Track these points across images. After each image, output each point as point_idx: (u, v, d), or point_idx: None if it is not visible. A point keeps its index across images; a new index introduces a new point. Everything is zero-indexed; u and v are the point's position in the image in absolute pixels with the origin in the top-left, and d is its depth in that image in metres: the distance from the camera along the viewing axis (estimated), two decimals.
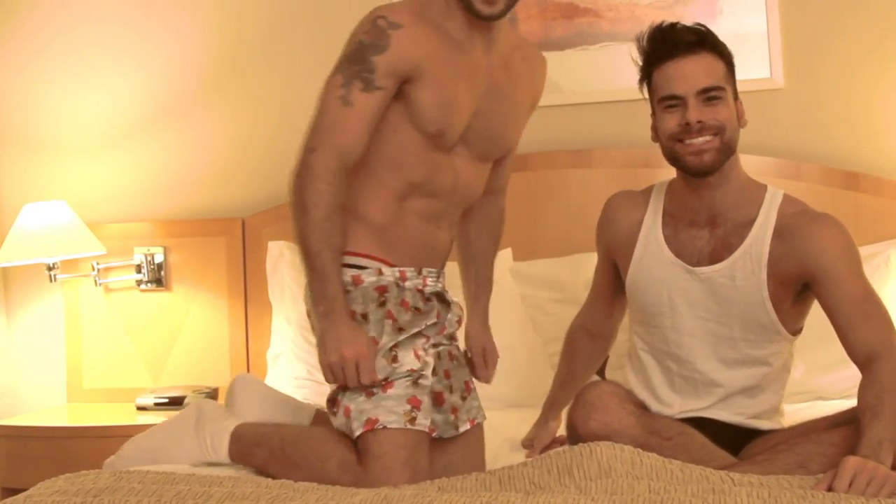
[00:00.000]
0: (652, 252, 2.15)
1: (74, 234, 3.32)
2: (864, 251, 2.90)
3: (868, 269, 2.84)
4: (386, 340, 2.02)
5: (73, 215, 3.35)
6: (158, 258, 3.46)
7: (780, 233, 2.05)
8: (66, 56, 3.56)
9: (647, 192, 2.22)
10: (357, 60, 1.97)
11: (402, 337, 2.04)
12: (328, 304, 1.97)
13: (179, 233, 3.45)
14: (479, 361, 2.30)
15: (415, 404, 2.00)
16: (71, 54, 3.56)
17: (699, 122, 2.03)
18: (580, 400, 2.04)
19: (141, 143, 3.54)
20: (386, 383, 2.00)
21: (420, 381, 2.03)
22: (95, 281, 3.45)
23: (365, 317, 2.04)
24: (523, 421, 2.58)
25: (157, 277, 3.46)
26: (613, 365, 2.90)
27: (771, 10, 3.18)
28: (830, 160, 3.15)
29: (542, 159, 3.28)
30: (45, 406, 3.53)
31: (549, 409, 2.44)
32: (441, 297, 2.15)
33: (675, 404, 2.15)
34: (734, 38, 3.15)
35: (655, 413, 2.12)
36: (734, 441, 2.10)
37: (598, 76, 3.28)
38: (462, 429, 2.17)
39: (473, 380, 2.27)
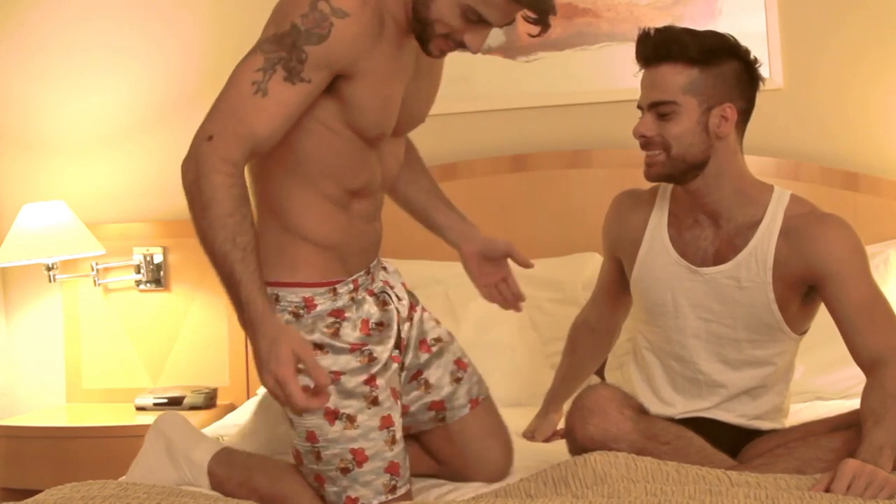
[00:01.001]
0: (656, 252, 2.14)
1: (73, 234, 3.32)
2: None
3: None
4: (355, 373, 1.89)
5: (73, 215, 3.35)
6: (158, 258, 3.46)
7: (786, 234, 2.03)
8: (66, 56, 3.56)
9: (653, 192, 2.22)
10: (286, 46, 1.69)
11: (375, 368, 1.92)
12: (246, 314, 1.70)
13: (178, 233, 3.45)
14: (516, 254, 2.18)
15: (393, 471, 1.91)
16: (71, 54, 3.56)
17: (642, 136, 2.04)
18: (578, 405, 2.03)
19: (140, 143, 3.54)
20: (359, 453, 1.88)
21: (395, 435, 1.93)
22: (94, 281, 3.44)
23: (322, 348, 1.88)
24: (522, 416, 2.58)
25: (157, 278, 3.46)
26: (612, 365, 2.89)
27: (770, 10, 3.18)
28: (829, 160, 3.15)
29: (541, 159, 3.28)
30: (45, 406, 3.53)
31: (551, 402, 2.45)
32: (388, 296, 2.03)
33: (678, 404, 2.14)
34: None
35: (654, 416, 2.11)
36: (734, 441, 2.10)
37: (597, 76, 3.28)
38: (457, 416, 2.11)
39: (466, 356, 2.16)
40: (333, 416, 1.88)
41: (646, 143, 2.05)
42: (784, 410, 2.19)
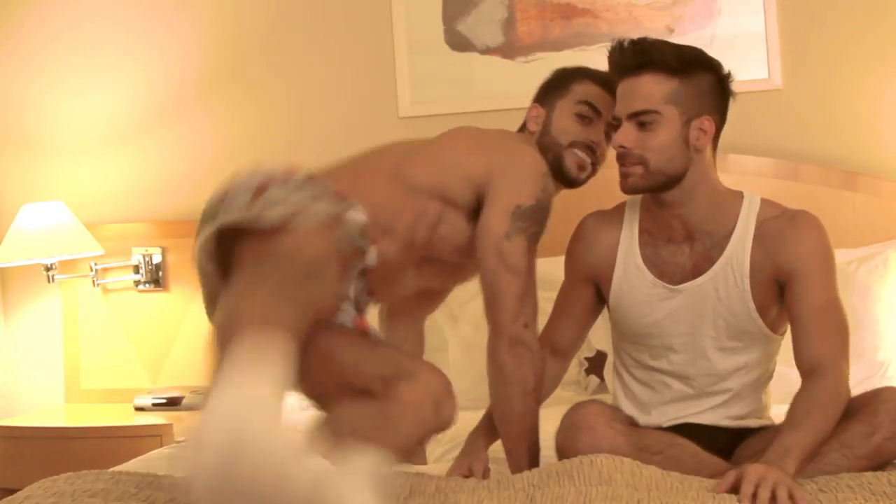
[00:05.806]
0: (631, 275, 2.11)
1: (72, 234, 3.32)
2: (862, 252, 2.92)
3: (866, 270, 2.85)
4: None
5: (71, 216, 3.35)
6: (156, 258, 3.46)
7: (760, 239, 2.02)
8: (65, 56, 3.57)
9: (620, 211, 2.17)
10: (536, 221, 2.09)
11: None
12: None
13: (177, 233, 3.45)
14: None
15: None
16: (70, 55, 3.56)
17: (621, 146, 1.99)
18: (566, 423, 2.01)
19: (139, 143, 3.54)
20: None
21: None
22: (93, 281, 3.45)
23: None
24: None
25: (155, 278, 3.46)
26: (611, 365, 2.89)
27: (769, 10, 3.18)
28: (829, 161, 3.15)
29: None
30: (43, 406, 3.53)
31: (483, 435, 2.20)
32: None
33: (665, 414, 2.11)
34: (732, 39, 3.18)
35: (643, 427, 2.09)
36: (726, 443, 2.08)
37: None
38: None
39: None
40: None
41: (623, 155, 2.00)
42: (767, 405, 2.17)
